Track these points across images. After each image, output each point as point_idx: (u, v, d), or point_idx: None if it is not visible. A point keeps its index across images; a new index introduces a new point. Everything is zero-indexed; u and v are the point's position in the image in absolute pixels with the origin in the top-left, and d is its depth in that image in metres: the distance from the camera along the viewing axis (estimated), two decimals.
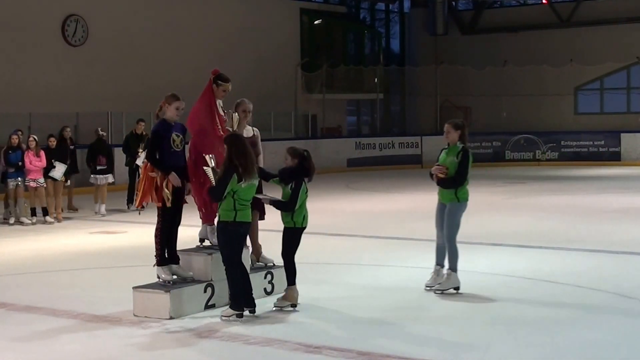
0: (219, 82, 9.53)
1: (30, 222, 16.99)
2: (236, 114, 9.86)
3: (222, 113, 9.73)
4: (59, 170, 17.31)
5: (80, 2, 26.76)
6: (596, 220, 16.50)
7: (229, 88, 9.60)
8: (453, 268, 10.02)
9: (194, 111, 9.53)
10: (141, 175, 9.34)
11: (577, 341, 7.99)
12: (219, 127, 9.45)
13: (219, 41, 30.37)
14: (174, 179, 9.06)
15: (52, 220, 17.08)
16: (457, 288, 9.99)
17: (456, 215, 10.14)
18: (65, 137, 18.59)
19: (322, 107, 33.35)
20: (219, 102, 9.81)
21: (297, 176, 9.15)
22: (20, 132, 18.12)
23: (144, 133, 19.01)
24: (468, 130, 10.20)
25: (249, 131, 9.97)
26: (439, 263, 10.21)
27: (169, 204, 9.09)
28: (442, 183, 10.09)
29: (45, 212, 17.15)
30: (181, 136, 9.26)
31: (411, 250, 13.26)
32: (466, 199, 10.13)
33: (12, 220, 16.99)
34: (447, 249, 10.13)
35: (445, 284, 9.98)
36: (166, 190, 9.06)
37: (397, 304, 9.57)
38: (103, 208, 18.34)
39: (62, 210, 17.68)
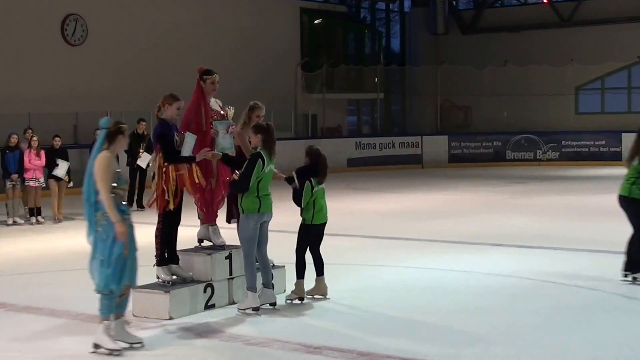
0: (204, 77, 9.55)
1: (25, 222, 17.00)
2: (232, 107, 9.85)
3: (218, 108, 9.73)
4: (62, 168, 17.30)
5: (80, 2, 26.72)
6: (596, 220, 16.47)
7: (216, 79, 9.61)
8: (250, 287, 9.12)
9: (186, 110, 9.54)
10: (165, 181, 9.12)
11: (577, 341, 7.97)
12: (204, 122, 9.44)
13: (219, 41, 30.35)
14: (206, 154, 9.08)
15: (43, 220, 17.07)
16: (256, 309, 9.07)
17: (243, 227, 9.11)
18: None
19: (322, 107, 33.33)
20: (216, 101, 9.79)
21: (305, 175, 9.53)
22: (30, 131, 18.04)
23: (145, 133, 19.00)
24: (274, 135, 9.19)
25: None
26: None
27: (202, 182, 9.15)
28: (230, 186, 9.31)
29: (39, 211, 17.13)
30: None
31: (411, 250, 13.25)
32: (253, 210, 9.02)
33: (10, 221, 16.97)
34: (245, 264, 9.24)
35: (244, 303, 9.17)
36: (198, 175, 9.13)
37: (397, 304, 9.56)
38: None
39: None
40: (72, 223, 17.28)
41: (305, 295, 9.61)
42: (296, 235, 9.72)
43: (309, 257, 9.72)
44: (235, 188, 9.15)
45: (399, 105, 40.26)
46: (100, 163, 7.65)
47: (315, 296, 9.70)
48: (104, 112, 25.34)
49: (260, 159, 9.02)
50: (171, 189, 9.04)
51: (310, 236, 9.67)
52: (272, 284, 9.41)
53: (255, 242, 9.14)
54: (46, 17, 25.86)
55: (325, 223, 9.78)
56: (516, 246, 13.40)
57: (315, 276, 9.70)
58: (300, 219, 9.69)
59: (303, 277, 9.60)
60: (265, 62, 31.78)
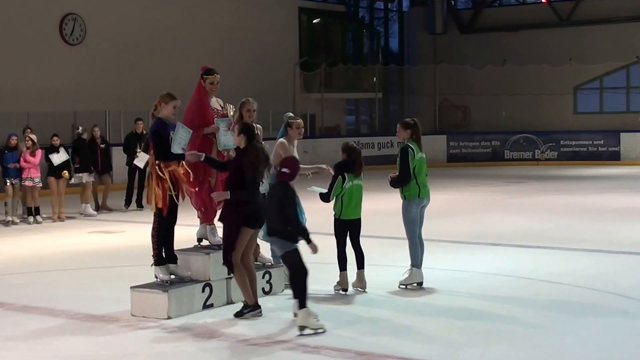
0: (204, 76, 9.59)
1: (22, 221, 16.98)
2: (232, 106, 9.88)
3: (219, 107, 9.74)
4: (61, 156, 17.23)
5: (78, 1, 26.68)
6: (596, 220, 16.47)
7: (216, 79, 9.67)
8: (415, 264, 10.33)
9: (187, 108, 9.56)
10: (155, 182, 9.13)
11: (577, 341, 7.96)
12: (206, 122, 9.45)
13: (217, 40, 30.32)
14: (192, 156, 9.03)
15: (41, 220, 17.03)
16: (419, 283, 10.26)
17: (407, 212, 10.44)
18: (95, 136, 18.64)
19: (321, 107, 33.30)
20: (217, 100, 9.80)
21: (338, 170, 10.04)
22: (29, 131, 17.91)
23: (144, 132, 18.96)
24: (421, 129, 10.57)
25: None
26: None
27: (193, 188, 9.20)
28: (392, 183, 10.48)
29: (37, 211, 17.09)
30: None
31: None
32: (415, 196, 10.39)
33: (8, 220, 16.93)
34: (408, 246, 10.43)
35: (407, 279, 10.28)
36: (184, 178, 9.08)
37: (396, 304, 9.55)
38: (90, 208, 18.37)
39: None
40: (71, 223, 17.26)
41: (348, 287, 10.08)
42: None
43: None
44: (399, 183, 10.19)
45: (397, 104, 40.23)
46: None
47: (358, 289, 10.10)
48: (102, 111, 25.41)
49: (410, 149, 10.13)
50: (168, 185, 9.00)
51: (343, 230, 10.14)
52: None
53: (417, 224, 10.25)
54: (44, 16, 25.81)
55: (357, 219, 10.31)
56: (515, 246, 13.39)
57: (356, 269, 10.16)
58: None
59: (345, 270, 10.08)
60: (263, 62, 31.74)
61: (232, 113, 9.83)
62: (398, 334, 8.28)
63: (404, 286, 10.23)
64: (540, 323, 8.57)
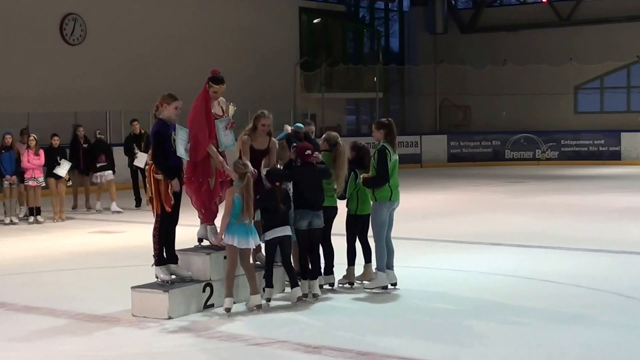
0: (210, 83, 9.52)
1: (21, 221, 16.99)
2: (232, 105, 9.87)
3: (220, 112, 9.72)
4: (63, 167, 17.30)
5: (79, 1, 26.67)
6: (596, 220, 16.47)
7: (221, 90, 9.56)
8: (380, 268, 10.10)
9: (192, 111, 9.51)
10: (149, 180, 9.20)
11: (577, 341, 7.96)
12: (209, 128, 9.44)
13: (218, 40, 30.33)
14: (175, 185, 9.05)
15: (42, 220, 17.03)
16: (385, 287, 10.06)
17: (377, 215, 10.14)
18: (79, 136, 18.66)
19: (321, 106, 33.30)
20: (218, 102, 9.78)
21: (350, 168, 10.13)
22: (33, 137, 17.73)
23: (142, 131, 18.94)
24: (395, 129, 10.42)
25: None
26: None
27: (169, 209, 9.08)
28: (365, 183, 10.15)
29: (39, 211, 17.09)
30: None
31: (410, 250, 13.22)
32: (386, 199, 10.13)
33: (7, 220, 16.93)
34: (375, 249, 10.20)
35: (372, 284, 10.10)
36: (170, 194, 9.04)
37: (396, 304, 9.55)
38: (114, 205, 18.40)
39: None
40: (72, 223, 17.27)
41: (355, 280, 10.25)
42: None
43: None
44: (375, 184, 9.98)
45: (398, 104, 40.22)
46: None
47: (364, 282, 10.25)
48: (103, 111, 25.41)
49: (387, 150, 10.06)
50: (153, 190, 9.03)
51: (357, 226, 10.27)
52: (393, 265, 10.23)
53: (386, 227, 10.13)
54: (45, 16, 25.82)
55: (368, 214, 10.27)
56: (515, 245, 13.39)
57: (363, 263, 10.33)
58: (347, 209, 10.31)
59: (353, 264, 10.24)
60: (264, 62, 31.75)
61: (232, 112, 9.82)
62: (398, 334, 8.28)
63: (369, 290, 10.02)
64: (540, 323, 8.57)
